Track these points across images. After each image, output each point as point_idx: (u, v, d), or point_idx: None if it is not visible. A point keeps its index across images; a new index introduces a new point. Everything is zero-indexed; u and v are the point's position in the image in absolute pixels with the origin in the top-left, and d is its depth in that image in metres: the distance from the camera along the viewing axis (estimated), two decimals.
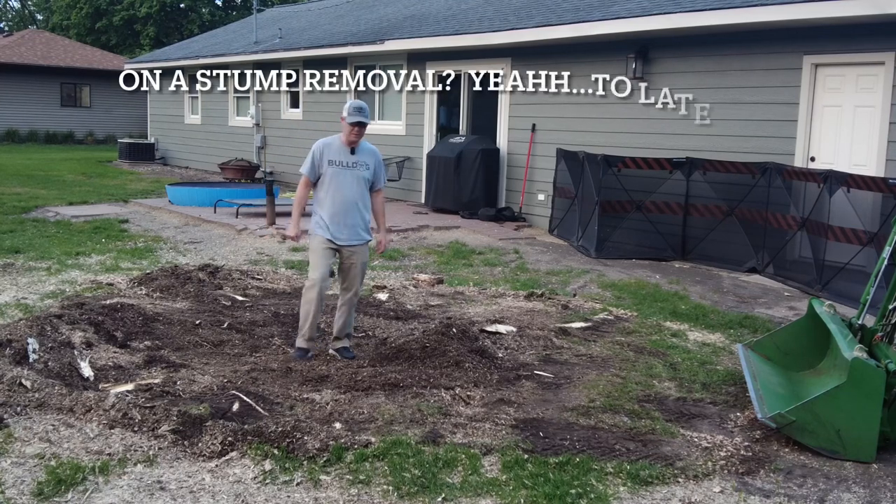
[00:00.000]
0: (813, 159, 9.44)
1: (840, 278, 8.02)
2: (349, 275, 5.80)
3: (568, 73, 12.15)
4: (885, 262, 5.11)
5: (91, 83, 32.97)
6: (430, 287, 8.17)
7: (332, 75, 16.88)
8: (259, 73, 19.45)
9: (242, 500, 3.69)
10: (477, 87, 14.17)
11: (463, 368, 5.44)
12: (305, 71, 17.88)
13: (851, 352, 4.41)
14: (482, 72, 13.76)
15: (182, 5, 41.96)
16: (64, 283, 7.82)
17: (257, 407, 4.67)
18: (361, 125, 5.59)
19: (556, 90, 12.35)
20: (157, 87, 24.33)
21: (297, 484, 3.85)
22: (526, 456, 4.17)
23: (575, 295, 7.97)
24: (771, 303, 7.96)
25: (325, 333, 6.18)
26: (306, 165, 5.72)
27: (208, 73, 21.42)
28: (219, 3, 45.17)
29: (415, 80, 14.95)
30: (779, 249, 9.02)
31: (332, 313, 6.13)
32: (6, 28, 50.41)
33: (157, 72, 24.01)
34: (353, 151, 5.69)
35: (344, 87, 16.58)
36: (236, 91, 20.62)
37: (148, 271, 8.14)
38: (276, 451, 4.09)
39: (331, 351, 5.86)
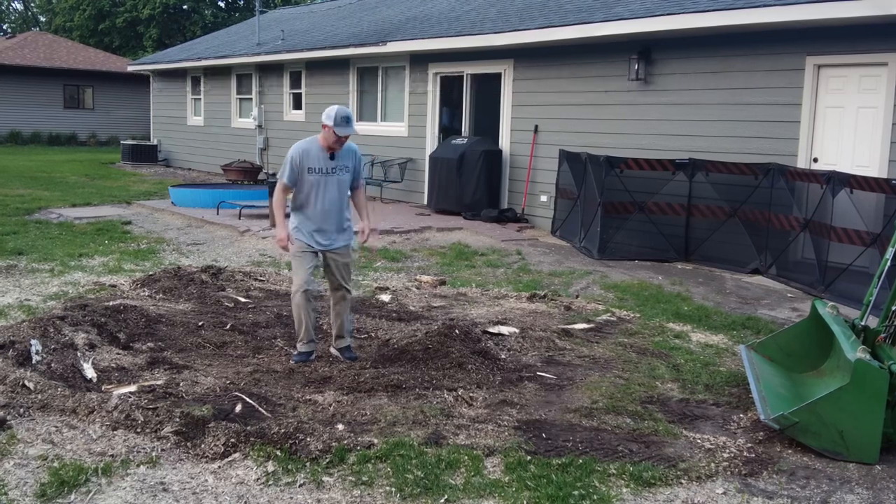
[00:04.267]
0: (816, 160, 9.43)
1: (843, 279, 8.00)
2: (334, 277, 5.77)
3: (570, 74, 12.16)
4: (889, 263, 5.10)
5: (94, 85, 33.03)
6: (432, 288, 8.17)
7: (334, 76, 16.91)
8: (261, 74, 19.50)
9: (245, 502, 3.70)
10: (479, 88, 14.19)
11: (465, 370, 5.44)
12: (308, 72, 17.91)
13: (854, 353, 4.41)
14: (484, 73, 13.78)
15: (185, 7, 42.03)
16: (67, 284, 7.83)
17: (260, 408, 4.67)
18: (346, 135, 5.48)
19: (558, 91, 12.36)
20: (159, 88, 24.46)
21: (300, 485, 3.86)
22: (528, 457, 4.17)
23: (577, 296, 7.96)
24: (774, 304, 7.95)
25: (327, 334, 6.18)
26: (285, 173, 5.59)
27: (211, 74, 21.49)
28: (221, 4, 45.24)
29: (417, 81, 14.97)
30: (782, 250, 9.01)
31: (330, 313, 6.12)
32: (9, 30, 50.52)
33: (160, 73, 24.13)
34: (332, 157, 5.59)
35: (346, 89, 16.61)
36: (239, 92, 20.66)
37: (151, 273, 8.15)
38: (278, 453, 4.09)
39: (333, 351, 5.86)
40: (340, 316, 5.82)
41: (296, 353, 5.77)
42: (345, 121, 5.43)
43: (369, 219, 5.86)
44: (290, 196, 5.73)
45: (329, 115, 5.46)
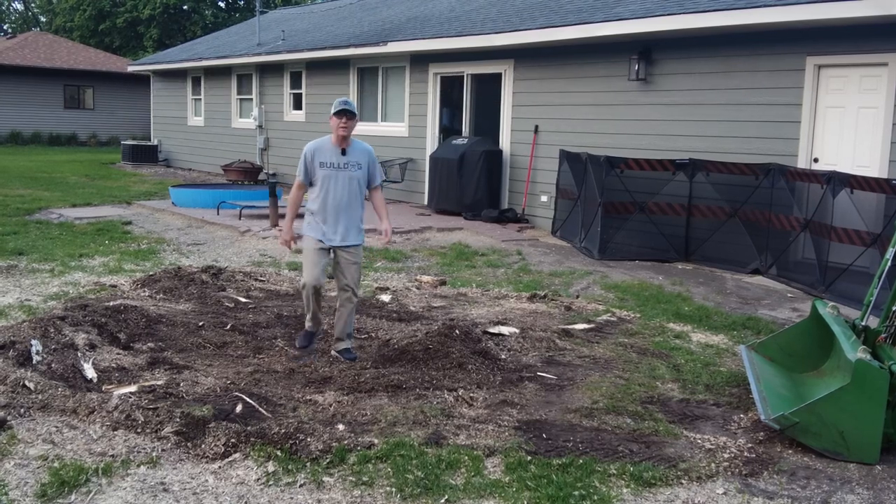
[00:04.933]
0: (816, 160, 9.43)
1: (843, 279, 8.00)
2: (344, 276, 5.76)
3: (571, 74, 12.16)
4: (889, 264, 5.11)
5: (94, 85, 33.02)
6: (432, 288, 8.17)
7: (334, 77, 16.91)
8: (262, 74, 19.50)
9: (245, 502, 3.70)
10: (479, 89, 14.18)
11: (466, 370, 5.44)
12: (308, 72, 17.91)
13: (855, 353, 4.41)
14: (485, 73, 13.79)
15: (185, 7, 42.03)
16: (67, 284, 7.83)
17: (260, 408, 4.67)
18: (348, 115, 5.53)
19: (558, 91, 12.36)
20: (159, 88, 24.47)
21: (301, 486, 3.86)
22: (529, 457, 4.17)
23: (578, 296, 7.96)
24: (774, 304, 7.95)
25: (328, 335, 6.18)
26: (300, 170, 5.70)
27: (211, 74, 21.50)
28: (221, 4, 45.25)
29: (417, 81, 14.98)
30: (782, 251, 9.01)
31: (334, 314, 6.13)
32: (9, 30, 50.53)
33: (160, 73, 24.14)
34: (344, 152, 5.65)
35: (346, 89, 16.61)
36: (239, 93, 20.67)
37: (151, 273, 8.15)
38: (279, 453, 4.09)
39: (333, 352, 5.86)
40: (343, 318, 5.81)
41: (301, 333, 5.92)
42: (341, 103, 5.58)
43: (389, 220, 5.92)
44: (306, 196, 5.80)
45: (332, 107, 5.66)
